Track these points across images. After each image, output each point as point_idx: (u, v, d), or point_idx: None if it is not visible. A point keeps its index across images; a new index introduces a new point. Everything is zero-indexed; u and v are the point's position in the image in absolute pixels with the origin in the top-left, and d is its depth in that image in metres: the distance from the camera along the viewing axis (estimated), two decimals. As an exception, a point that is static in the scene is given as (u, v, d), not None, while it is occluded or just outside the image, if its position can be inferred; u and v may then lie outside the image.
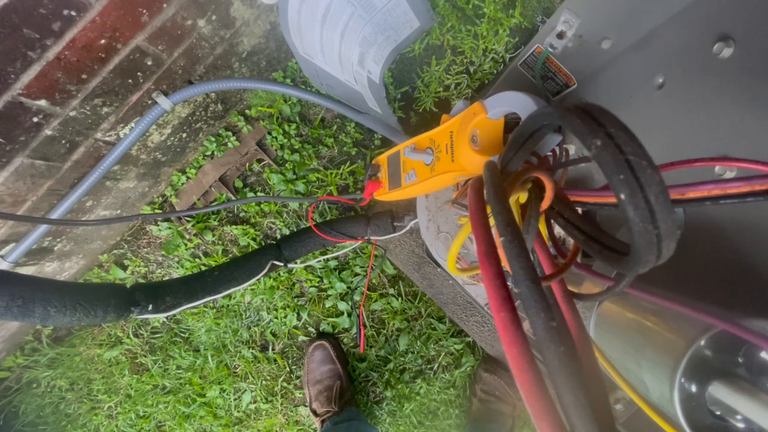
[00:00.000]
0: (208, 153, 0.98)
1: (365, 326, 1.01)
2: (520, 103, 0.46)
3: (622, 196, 0.19)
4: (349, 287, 1.00)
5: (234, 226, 0.99)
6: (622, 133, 0.20)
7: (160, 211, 1.00)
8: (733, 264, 0.42)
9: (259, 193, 1.00)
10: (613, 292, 0.30)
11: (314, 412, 0.97)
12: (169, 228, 1.00)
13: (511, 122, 0.51)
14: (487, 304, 0.83)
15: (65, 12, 0.51)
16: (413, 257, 0.97)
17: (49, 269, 0.88)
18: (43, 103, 0.58)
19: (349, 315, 1.01)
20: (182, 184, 0.99)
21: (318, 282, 1.01)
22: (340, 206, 1.00)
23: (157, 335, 1.05)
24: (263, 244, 1.00)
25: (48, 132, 0.63)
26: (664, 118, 0.48)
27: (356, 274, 1.00)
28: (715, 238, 0.44)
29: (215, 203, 1.00)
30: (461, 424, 1.01)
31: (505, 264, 0.24)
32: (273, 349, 1.04)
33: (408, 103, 0.96)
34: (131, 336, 1.04)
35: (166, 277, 1.04)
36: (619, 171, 0.19)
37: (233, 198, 0.99)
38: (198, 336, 1.04)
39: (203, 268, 1.01)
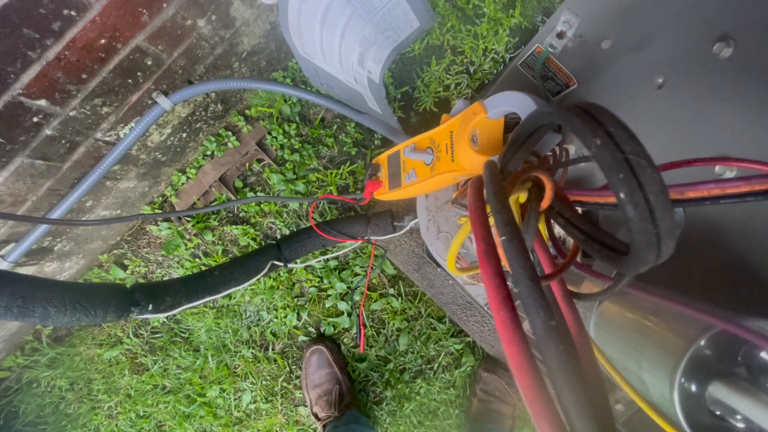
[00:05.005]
0: (208, 153, 0.98)
1: (365, 326, 1.01)
2: (520, 103, 0.46)
3: (622, 195, 0.19)
4: (349, 287, 1.00)
5: (234, 226, 0.99)
6: (621, 132, 0.20)
7: (160, 211, 1.00)
8: (733, 264, 0.42)
9: (259, 193, 1.00)
10: (613, 292, 0.30)
11: (316, 416, 0.97)
12: (169, 228, 1.00)
13: (511, 122, 0.51)
14: (487, 304, 0.83)
15: (65, 12, 0.51)
16: (413, 257, 0.97)
17: (49, 269, 0.88)
18: (43, 103, 0.58)
19: (349, 315, 1.01)
20: (182, 184, 0.99)
21: (318, 282, 1.01)
22: (340, 206, 1.00)
23: (157, 335, 1.05)
24: (263, 244, 1.00)
25: (48, 132, 0.63)
26: (664, 118, 0.48)
27: (356, 274, 1.00)
28: (715, 238, 0.44)
29: (215, 203, 1.00)
30: (461, 424, 1.01)
31: (505, 263, 0.24)
32: (273, 349, 1.04)
33: (408, 103, 0.96)
34: (131, 336, 1.04)
35: (166, 277, 1.04)
36: (618, 170, 0.19)
37: (233, 198, 0.99)
38: (198, 336, 1.04)
39: (203, 268, 1.01)
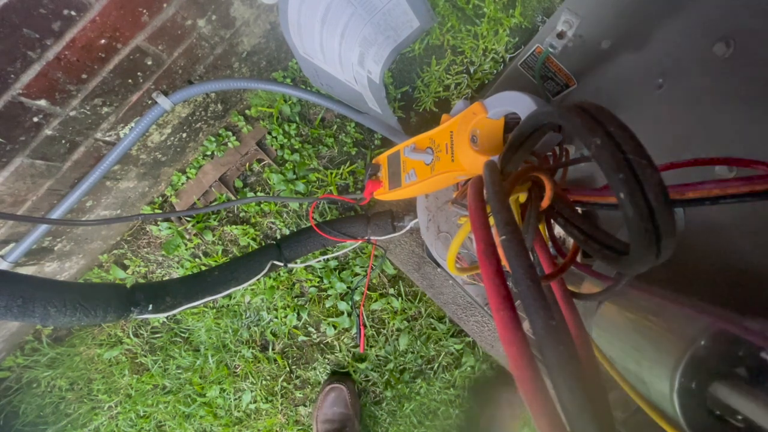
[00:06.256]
0: (208, 153, 0.98)
1: (365, 326, 1.01)
2: (520, 103, 0.46)
3: (622, 195, 0.19)
4: (349, 287, 1.00)
5: (234, 226, 0.99)
6: (621, 132, 0.20)
7: (160, 211, 1.00)
8: (733, 264, 0.42)
9: (259, 193, 1.00)
10: (613, 292, 0.30)
11: None
12: (169, 228, 1.00)
13: (511, 122, 0.51)
14: (487, 304, 0.83)
15: (65, 12, 0.51)
16: (413, 257, 0.97)
17: (49, 269, 0.88)
18: (43, 103, 0.58)
19: (349, 315, 1.01)
20: (182, 184, 0.99)
21: (318, 282, 1.01)
22: (340, 206, 1.00)
23: (157, 335, 1.05)
24: (263, 244, 1.00)
25: (48, 132, 0.63)
26: (664, 118, 0.48)
27: (356, 274, 1.00)
28: (715, 238, 0.44)
29: (215, 203, 1.00)
30: (461, 425, 1.01)
31: (505, 263, 0.24)
32: (273, 349, 1.04)
33: (408, 103, 0.96)
34: (131, 336, 1.04)
35: (166, 277, 1.04)
36: (618, 170, 0.19)
37: (233, 198, 0.99)
38: (198, 336, 1.04)
39: (203, 268, 1.01)
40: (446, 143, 0.54)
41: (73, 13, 0.52)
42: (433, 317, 1.00)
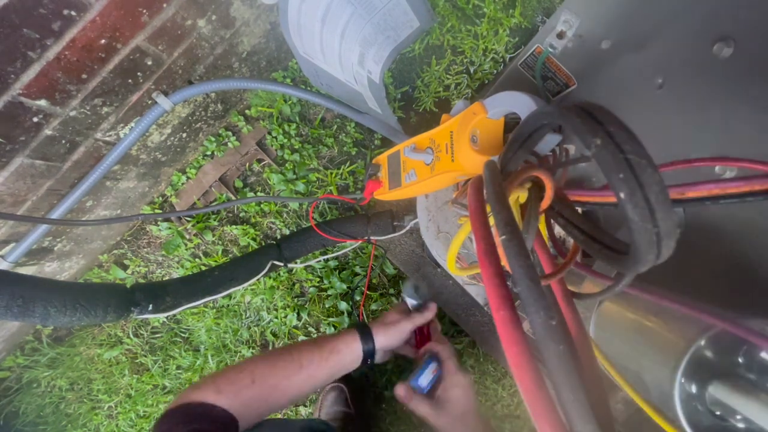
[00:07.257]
0: (208, 153, 0.98)
1: (365, 326, 1.00)
2: (520, 103, 0.46)
3: (622, 195, 0.19)
4: (349, 287, 1.00)
5: (234, 226, 0.99)
6: (621, 132, 0.20)
7: (160, 211, 1.00)
8: (733, 264, 0.42)
9: (259, 193, 1.00)
10: (613, 292, 0.30)
11: None
12: (169, 228, 1.00)
13: (511, 122, 0.51)
14: (487, 304, 0.83)
15: (65, 12, 0.51)
16: (413, 257, 0.97)
17: (49, 269, 0.88)
18: (43, 103, 0.58)
19: (350, 315, 1.01)
20: (182, 184, 0.99)
21: (318, 282, 1.01)
22: (340, 206, 1.00)
23: (157, 335, 1.05)
24: (263, 244, 1.00)
25: (48, 132, 0.63)
26: (664, 118, 0.48)
27: (356, 274, 1.00)
28: (715, 238, 0.44)
29: (215, 203, 1.00)
30: None
31: (505, 263, 0.24)
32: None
33: (408, 103, 0.96)
34: (131, 336, 1.04)
35: (166, 277, 1.04)
36: (618, 170, 0.19)
37: (233, 198, 0.99)
38: (198, 336, 1.04)
39: (203, 268, 1.01)
40: (446, 143, 0.54)
41: (73, 13, 0.52)
42: (433, 317, 1.00)
